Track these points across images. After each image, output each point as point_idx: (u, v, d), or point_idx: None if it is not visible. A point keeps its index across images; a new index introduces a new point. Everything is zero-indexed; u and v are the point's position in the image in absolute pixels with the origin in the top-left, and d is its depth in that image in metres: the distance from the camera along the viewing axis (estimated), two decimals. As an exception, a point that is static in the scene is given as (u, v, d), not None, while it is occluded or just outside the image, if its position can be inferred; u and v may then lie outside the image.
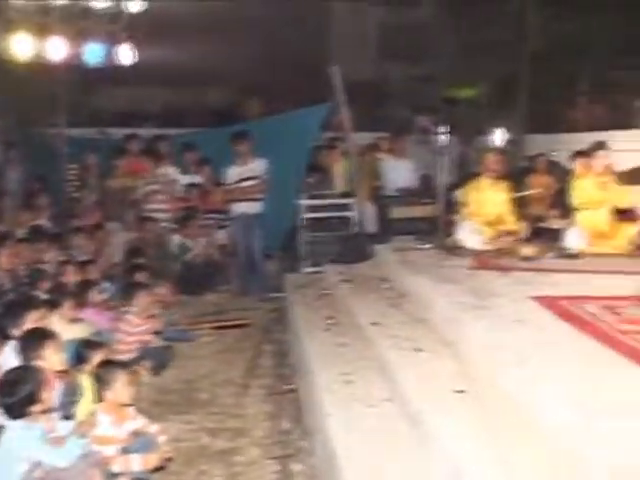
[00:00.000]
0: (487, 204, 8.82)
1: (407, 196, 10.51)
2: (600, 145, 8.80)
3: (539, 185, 10.04)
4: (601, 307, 5.54)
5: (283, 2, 15.92)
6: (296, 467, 5.00)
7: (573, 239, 8.20)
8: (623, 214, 8.60)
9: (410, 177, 11.28)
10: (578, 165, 8.93)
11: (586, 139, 9.38)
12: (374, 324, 6.25)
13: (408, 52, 17.03)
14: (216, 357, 7.36)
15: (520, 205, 9.27)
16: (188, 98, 18.42)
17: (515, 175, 11.01)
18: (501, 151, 10.71)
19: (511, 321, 5.26)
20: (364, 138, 11.71)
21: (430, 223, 9.37)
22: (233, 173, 9.65)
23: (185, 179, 10.71)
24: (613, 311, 5.37)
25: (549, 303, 5.70)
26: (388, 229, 10.01)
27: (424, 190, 10.84)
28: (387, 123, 13.98)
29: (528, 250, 7.89)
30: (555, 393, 3.86)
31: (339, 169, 10.73)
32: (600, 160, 8.67)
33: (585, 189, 8.58)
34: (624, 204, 8.55)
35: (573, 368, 4.19)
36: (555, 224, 8.89)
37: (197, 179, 10.75)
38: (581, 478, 3.22)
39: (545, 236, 8.67)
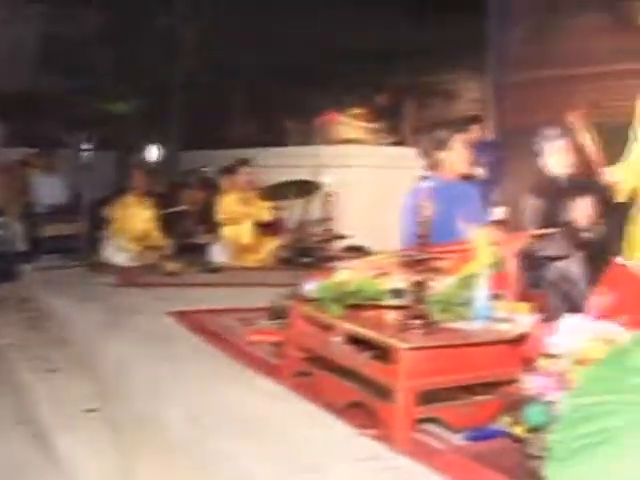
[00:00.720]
0: (133, 220, 8.83)
1: (57, 213, 10.18)
2: (243, 161, 9.06)
3: (192, 201, 10.13)
4: (236, 319, 5.62)
5: None
6: None
7: (217, 253, 8.38)
8: (266, 228, 8.90)
9: (61, 194, 10.94)
10: (224, 181, 9.15)
11: (238, 155, 9.62)
12: (12, 345, 5.94)
13: (66, 65, 16.46)
14: None
15: (169, 221, 9.30)
16: None
17: (169, 191, 11.05)
18: (150, 168, 10.73)
19: (146, 337, 5.17)
20: (16, 153, 11.18)
21: (79, 240, 9.12)
22: None
23: None
24: (246, 323, 5.44)
25: (186, 318, 5.69)
26: (38, 247, 9.62)
27: (74, 207, 10.56)
28: (40, 138, 13.40)
29: (172, 266, 7.92)
30: (180, 409, 3.83)
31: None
32: (243, 176, 8.94)
33: (229, 204, 8.80)
34: (266, 218, 8.85)
35: (200, 383, 4.17)
36: (201, 239, 9.00)
37: None
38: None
39: (192, 251, 8.76)
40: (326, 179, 8.18)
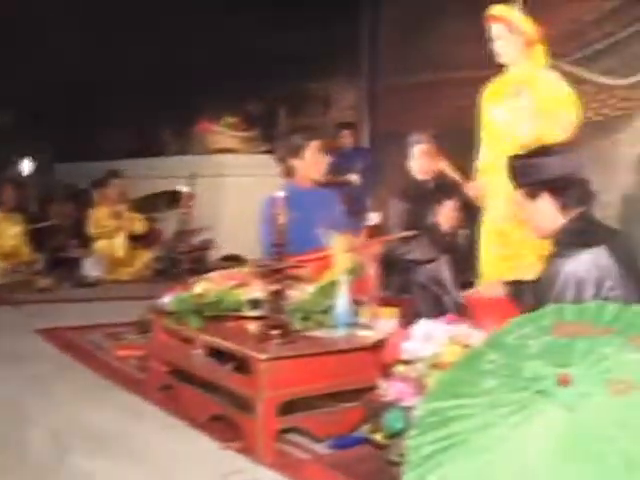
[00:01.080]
0: (2, 237, 8.54)
1: None
2: (114, 173, 8.92)
3: (63, 214, 9.88)
4: (105, 335, 5.49)
5: None
6: None
7: (91, 267, 8.21)
8: (140, 240, 8.78)
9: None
10: (95, 194, 8.99)
11: (113, 167, 9.44)
12: None
13: None
14: None
15: (39, 236, 9.05)
16: None
17: (39, 205, 10.77)
18: (19, 182, 10.44)
19: (12, 356, 4.98)
20: None
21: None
22: None
23: None
24: (115, 338, 5.35)
25: (54, 335, 5.52)
26: None
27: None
28: None
29: (44, 282, 7.71)
30: (42, 429, 3.69)
31: None
32: (115, 188, 8.80)
33: (101, 217, 8.66)
34: (140, 230, 8.74)
35: (65, 401, 4.05)
36: (74, 253, 8.80)
37: None
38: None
39: (64, 266, 8.54)
40: (184, 189, 8.13)
